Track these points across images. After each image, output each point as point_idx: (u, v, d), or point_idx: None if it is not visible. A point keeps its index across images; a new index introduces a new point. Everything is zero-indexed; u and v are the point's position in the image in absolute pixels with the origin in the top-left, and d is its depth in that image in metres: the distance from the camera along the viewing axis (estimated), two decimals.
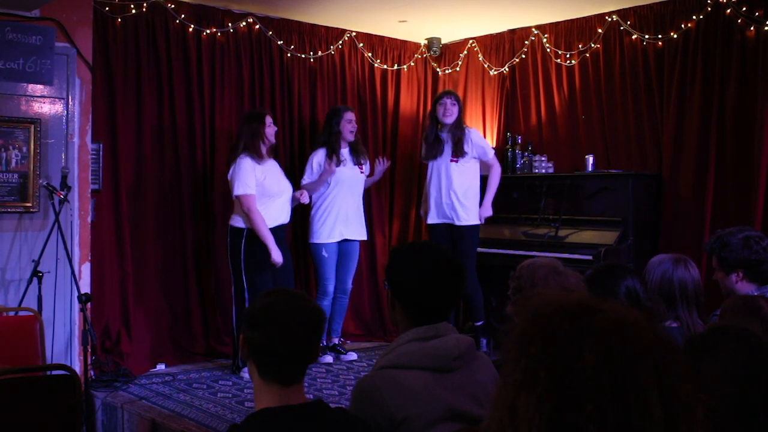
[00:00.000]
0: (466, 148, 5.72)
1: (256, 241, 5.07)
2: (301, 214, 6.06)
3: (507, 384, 1.04)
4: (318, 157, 5.71)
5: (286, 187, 5.36)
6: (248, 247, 5.10)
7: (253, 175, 5.11)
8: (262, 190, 5.14)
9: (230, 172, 5.19)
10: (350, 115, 5.72)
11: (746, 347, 1.53)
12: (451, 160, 5.73)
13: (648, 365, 0.99)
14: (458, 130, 5.74)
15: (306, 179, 5.71)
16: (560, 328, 1.03)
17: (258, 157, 5.15)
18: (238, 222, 5.17)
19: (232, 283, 5.25)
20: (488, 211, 5.82)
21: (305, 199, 5.47)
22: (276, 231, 5.18)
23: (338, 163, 5.65)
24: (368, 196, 6.46)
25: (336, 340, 5.82)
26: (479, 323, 5.72)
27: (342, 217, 5.69)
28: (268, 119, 5.28)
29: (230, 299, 5.38)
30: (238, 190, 5.08)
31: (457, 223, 5.73)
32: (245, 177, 5.09)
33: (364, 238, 5.91)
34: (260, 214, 5.07)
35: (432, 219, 5.86)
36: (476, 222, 5.77)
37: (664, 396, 0.98)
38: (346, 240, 5.74)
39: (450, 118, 5.73)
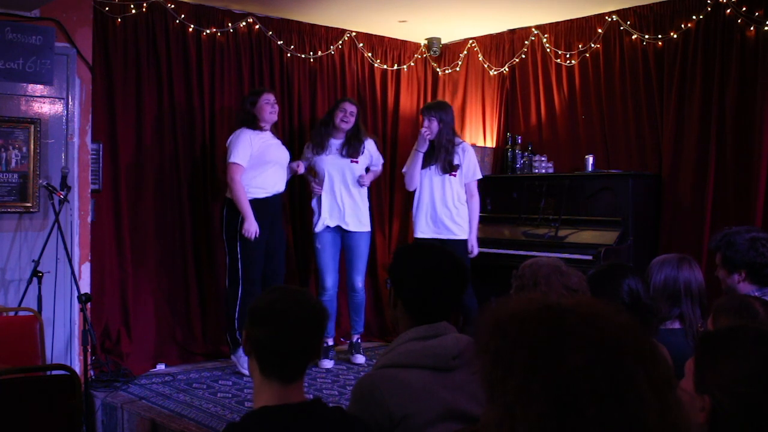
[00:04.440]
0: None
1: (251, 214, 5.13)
2: (301, 207, 6.11)
3: (498, 408, 1.00)
4: (307, 152, 5.81)
5: (284, 156, 5.41)
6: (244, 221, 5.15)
7: (249, 147, 5.16)
8: (260, 157, 5.19)
9: (228, 139, 5.28)
10: (346, 106, 5.66)
11: (766, 349, 1.54)
12: (451, 175, 5.60)
13: (630, 351, 0.98)
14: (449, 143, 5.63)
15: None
16: (537, 336, 1.00)
17: (256, 129, 5.22)
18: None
19: (226, 254, 5.27)
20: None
21: (301, 169, 5.54)
22: (271, 200, 5.24)
23: (320, 150, 5.65)
24: (368, 195, 6.44)
25: (355, 338, 5.79)
26: None
27: (330, 207, 5.64)
28: (266, 96, 5.29)
29: (222, 272, 5.43)
30: (231, 157, 5.14)
31: (452, 237, 5.61)
32: (241, 147, 5.15)
33: (365, 229, 5.76)
34: (241, 185, 5.11)
35: (423, 233, 5.67)
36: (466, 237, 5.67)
37: (650, 378, 0.98)
38: (344, 231, 5.68)
39: (429, 135, 5.58)
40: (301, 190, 6.26)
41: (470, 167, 5.65)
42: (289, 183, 5.59)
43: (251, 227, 5.10)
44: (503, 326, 1.04)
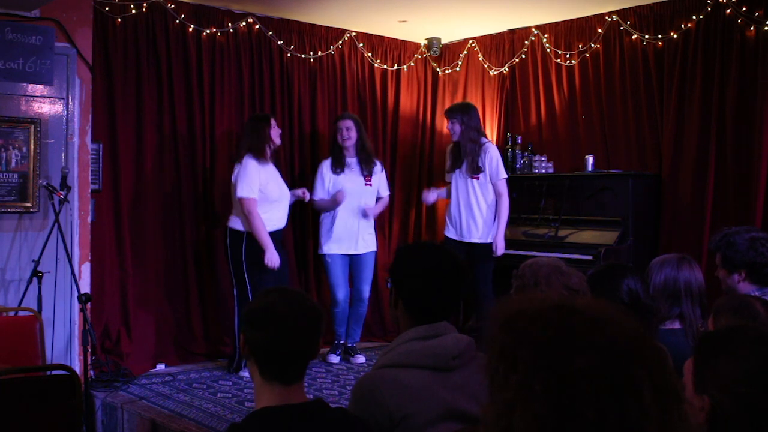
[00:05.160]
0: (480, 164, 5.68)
1: (256, 242, 5.09)
2: (313, 224, 6.10)
3: (497, 403, 1.00)
4: (323, 168, 5.75)
5: (285, 192, 5.39)
6: (249, 250, 5.12)
7: (257, 178, 5.12)
8: (264, 194, 5.15)
9: (234, 173, 5.21)
10: (340, 123, 5.69)
11: (766, 349, 1.54)
12: (472, 177, 5.66)
13: (637, 359, 0.97)
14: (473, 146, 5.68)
15: (318, 194, 5.69)
16: (543, 335, 0.98)
17: (262, 158, 5.16)
18: (237, 224, 5.18)
19: (233, 285, 5.25)
20: None
21: (307, 197, 5.54)
22: (274, 235, 5.20)
23: (341, 169, 5.66)
24: None
25: (350, 344, 5.83)
26: None
27: (344, 229, 5.64)
28: (273, 122, 5.32)
29: (230, 299, 5.41)
30: (242, 192, 5.08)
31: (473, 240, 5.67)
32: (250, 179, 5.09)
33: (372, 249, 5.81)
34: (260, 218, 5.09)
35: (449, 234, 5.80)
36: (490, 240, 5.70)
37: (656, 388, 0.96)
38: (354, 254, 5.72)
39: (454, 137, 5.73)
40: (302, 210, 6.22)
41: (493, 167, 5.66)
42: (290, 210, 5.56)
43: (273, 257, 5.09)
44: (511, 322, 1.03)
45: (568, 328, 0.99)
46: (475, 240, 5.65)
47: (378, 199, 5.85)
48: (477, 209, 5.65)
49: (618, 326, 1.00)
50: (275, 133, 5.29)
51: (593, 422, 0.93)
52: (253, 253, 5.11)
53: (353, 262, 5.74)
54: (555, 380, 0.95)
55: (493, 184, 5.66)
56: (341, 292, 5.67)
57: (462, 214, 5.69)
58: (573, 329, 0.98)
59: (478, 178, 5.64)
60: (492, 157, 5.66)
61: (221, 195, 5.82)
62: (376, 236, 5.93)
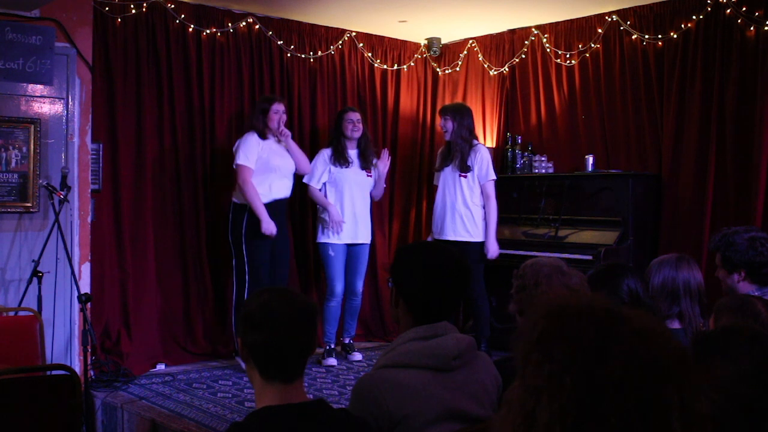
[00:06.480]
0: (469, 162, 5.71)
1: (256, 216, 5.21)
2: (312, 214, 6.15)
3: (526, 388, 1.00)
4: (322, 156, 5.79)
5: (289, 164, 5.48)
6: (250, 223, 5.25)
7: (256, 150, 5.30)
8: (265, 165, 5.31)
9: (236, 144, 5.40)
10: (351, 115, 5.78)
11: (760, 349, 1.54)
12: (460, 175, 5.71)
13: (671, 380, 0.96)
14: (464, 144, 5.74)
15: (313, 179, 5.74)
16: (586, 333, 0.98)
17: (262, 136, 5.36)
18: (240, 198, 5.33)
19: (232, 256, 5.37)
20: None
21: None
22: (275, 204, 5.33)
23: (345, 163, 5.72)
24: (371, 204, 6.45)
25: (347, 340, 5.87)
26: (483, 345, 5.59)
27: (349, 219, 5.72)
28: (276, 106, 5.43)
29: (229, 287, 5.51)
30: (239, 159, 5.27)
31: (459, 239, 5.70)
32: (248, 150, 5.29)
33: (369, 240, 5.91)
34: (253, 187, 5.24)
35: (434, 234, 5.87)
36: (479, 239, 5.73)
37: (684, 413, 0.96)
38: (353, 243, 5.77)
39: (446, 135, 5.78)
40: (301, 201, 6.24)
41: (482, 168, 5.69)
42: (293, 188, 5.63)
43: (269, 226, 5.21)
44: (558, 313, 1.03)
45: (613, 332, 0.99)
46: (460, 239, 5.65)
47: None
48: (463, 207, 5.68)
49: (663, 344, 1.00)
50: (275, 117, 5.40)
51: (614, 427, 0.93)
52: (253, 226, 5.24)
53: (350, 254, 5.79)
54: (587, 378, 0.95)
55: (481, 185, 5.69)
56: (339, 285, 5.72)
57: (446, 212, 5.74)
58: (617, 335, 0.98)
59: (465, 177, 5.67)
60: (483, 158, 5.70)
61: (221, 194, 5.82)
62: (373, 231, 5.98)
